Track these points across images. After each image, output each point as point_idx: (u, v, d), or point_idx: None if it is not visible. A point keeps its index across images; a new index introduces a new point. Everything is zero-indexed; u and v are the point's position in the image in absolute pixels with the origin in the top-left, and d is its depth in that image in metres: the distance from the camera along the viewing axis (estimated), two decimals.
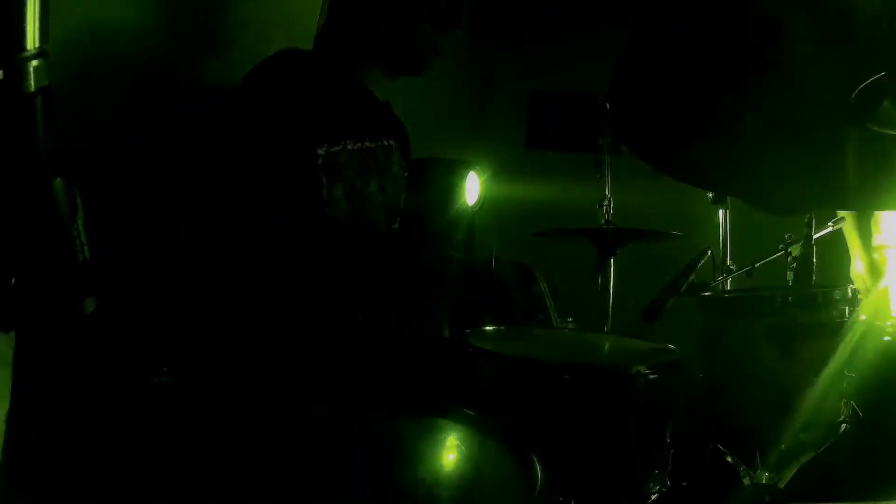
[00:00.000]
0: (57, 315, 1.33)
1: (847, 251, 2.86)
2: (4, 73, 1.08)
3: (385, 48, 2.01)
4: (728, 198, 2.45)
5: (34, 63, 1.23)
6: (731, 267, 2.32)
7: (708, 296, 2.09)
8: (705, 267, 2.17)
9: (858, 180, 1.08)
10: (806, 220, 1.97)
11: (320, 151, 1.88)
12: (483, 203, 2.86)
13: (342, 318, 1.91)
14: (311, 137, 1.88)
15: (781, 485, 1.79)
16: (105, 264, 1.59)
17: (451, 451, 1.24)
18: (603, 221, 2.82)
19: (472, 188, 2.81)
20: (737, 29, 1.07)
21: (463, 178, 2.76)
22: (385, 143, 2.08)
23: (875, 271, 2.69)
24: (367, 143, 2.01)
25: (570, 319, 2.51)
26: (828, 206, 2.27)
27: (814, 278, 2.03)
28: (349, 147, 1.95)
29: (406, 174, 2.20)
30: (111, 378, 1.39)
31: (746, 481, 1.80)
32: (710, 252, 2.20)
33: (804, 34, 1.01)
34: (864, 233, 2.77)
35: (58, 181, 1.39)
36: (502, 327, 2.30)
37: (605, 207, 2.82)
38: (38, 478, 1.16)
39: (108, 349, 1.44)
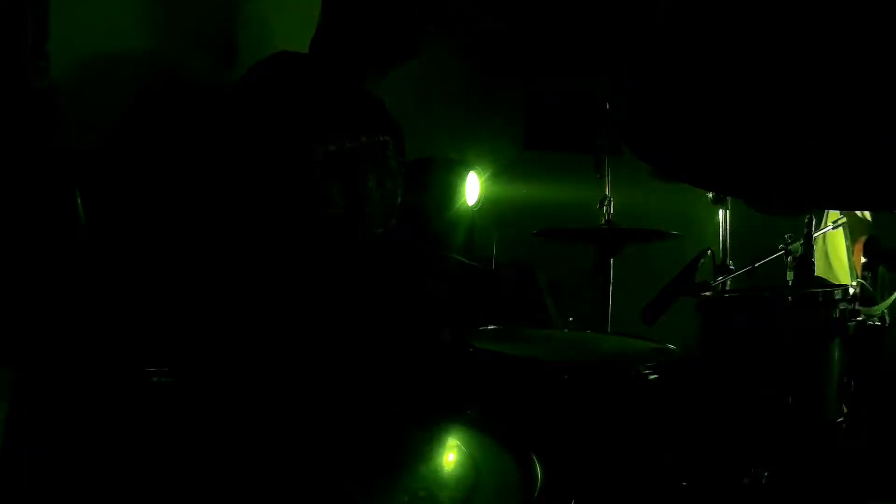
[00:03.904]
0: (57, 314, 1.33)
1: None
2: (5, 74, 1.08)
3: (380, 38, 2.04)
4: (728, 198, 2.45)
5: (34, 63, 1.23)
6: (731, 267, 2.32)
7: (708, 296, 2.09)
8: (705, 267, 2.17)
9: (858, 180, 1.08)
10: (806, 220, 1.97)
11: (317, 149, 1.89)
12: (483, 203, 2.86)
13: (341, 315, 1.92)
14: (307, 136, 1.89)
15: (780, 484, 1.79)
16: (105, 263, 1.59)
17: (451, 451, 1.24)
18: (603, 221, 2.82)
19: (472, 188, 2.81)
20: (738, 27, 1.07)
21: (463, 178, 2.76)
22: (381, 138, 2.09)
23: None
24: (363, 140, 2.03)
25: (571, 319, 2.51)
26: (827, 207, 2.27)
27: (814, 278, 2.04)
28: (346, 144, 1.97)
29: (403, 169, 2.21)
30: (112, 378, 1.39)
31: (746, 481, 1.80)
32: (710, 252, 2.20)
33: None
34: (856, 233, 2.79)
35: (58, 180, 1.39)
36: (502, 327, 2.30)
37: (605, 207, 2.82)
38: (37, 477, 1.16)
39: (108, 349, 1.44)
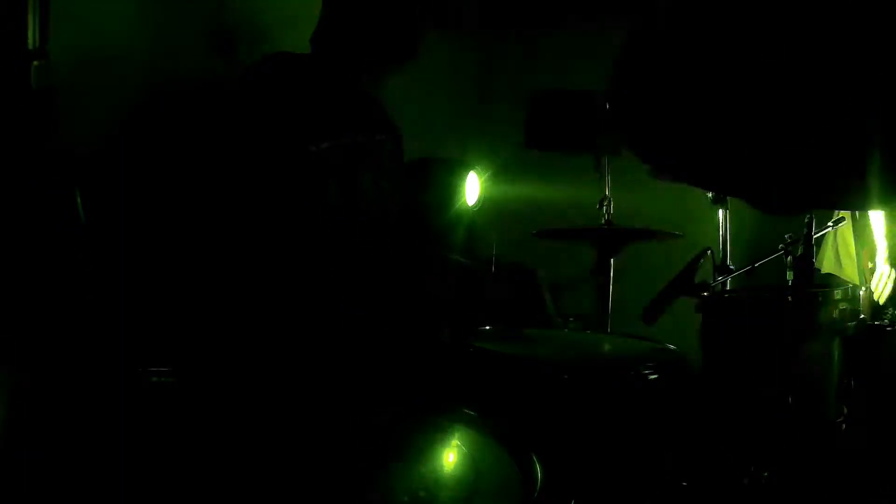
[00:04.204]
0: (57, 314, 1.33)
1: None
2: (5, 74, 1.08)
3: (379, 38, 2.04)
4: (728, 198, 2.45)
5: (35, 63, 1.23)
6: (731, 267, 2.32)
7: (708, 296, 2.09)
8: (705, 267, 2.17)
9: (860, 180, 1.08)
10: (806, 220, 1.97)
11: (312, 148, 1.90)
12: (483, 203, 2.86)
13: (341, 315, 1.92)
14: (305, 135, 1.90)
15: (780, 484, 1.79)
16: (105, 263, 1.59)
17: (451, 451, 1.24)
18: (603, 221, 2.81)
19: (472, 188, 2.81)
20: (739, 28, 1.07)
21: (463, 178, 2.76)
22: (377, 138, 2.09)
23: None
24: (359, 139, 2.02)
25: (571, 319, 2.51)
26: (827, 207, 2.27)
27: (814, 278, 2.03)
28: (342, 143, 1.97)
29: (400, 169, 2.21)
30: (112, 378, 1.39)
31: (746, 481, 1.80)
32: (709, 252, 2.20)
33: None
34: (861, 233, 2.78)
35: (58, 180, 1.40)
36: (502, 327, 2.30)
37: (605, 207, 2.82)
38: (37, 477, 1.16)
39: (108, 349, 1.44)
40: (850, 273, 2.86)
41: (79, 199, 1.38)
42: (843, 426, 1.87)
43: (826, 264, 2.92)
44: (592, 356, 2.08)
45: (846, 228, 2.80)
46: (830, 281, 2.88)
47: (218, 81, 2.16)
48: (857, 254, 2.79)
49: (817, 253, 2.77)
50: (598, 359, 2.05)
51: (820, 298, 1.92)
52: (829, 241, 2.93)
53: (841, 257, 2.91)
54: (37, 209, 1.30)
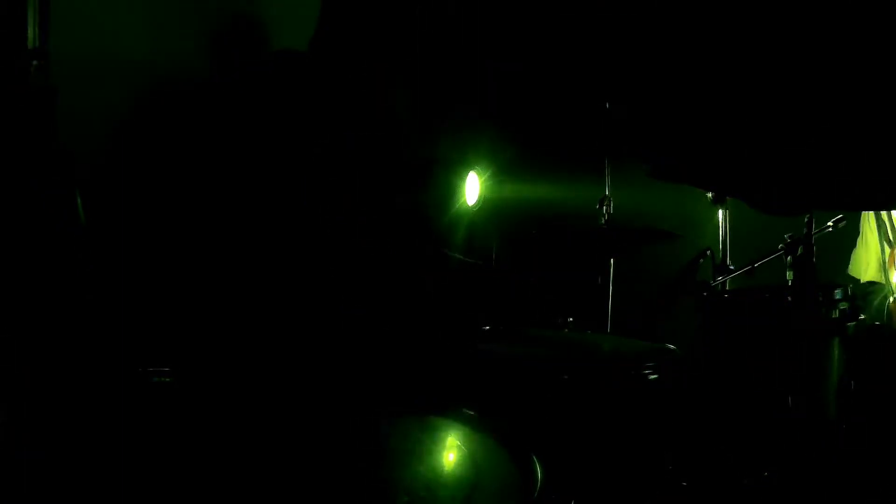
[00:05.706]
0: (57, 314, 1.33)
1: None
2: (5, 74, 1.08)
3: (379, 38, 2.04)
4: (728, 198, 2.44)
5: (35, 63, 1.23)
6: (731, 267, 2.32)
7: (708, 296, 2.09)
8: (705, 267, 2.17)
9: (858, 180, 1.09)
10: (806, 220, 1.97)
11: (315, 149, 1.90)
12: (483, 203, 2.85)
13: (341, 315, 1.92)
14: (306, 135, 1.90)
15: (780, 484, 1.79)
16: (105, 263, 1.59)
17: (451, 451, 1.24)
18: (603, 221, 2.81)
19: (472, 188, 2.80)
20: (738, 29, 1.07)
21: (463, 178, 2.76)
22: (377, 139, 2.09)
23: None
24: (361, 139, 2.03)
25: (571, 319, 2.50)
26: (827, 207, 2.27)
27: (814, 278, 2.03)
28: (342, 144, 1.97)
29: (401, 169, 2.21)
30: (112, 378, 1.39)
31: (746, 481, 1.80)
32: (709, 252, 2.20)
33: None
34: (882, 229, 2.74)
35: (58, 180, 1.39)
36: (502, 327, 2.30)
37: (605, 207, 2.81)
38: (37, 477, 1.16)
39: (108, 349, 1.44)
40: (872, 262, 2.77)
41: (79, 199, 1.38)
42: (843, 426, 1.87)
43: (868, 273, 2.81)
44: (592, 356, 2.08)
45: (871, 225, 2.74)
46: (830, 281, 2.85)
47: (218, 81, 2.16)
48: (883, 259, 2.74)
49: (851, 260, 2.75)
50: (598, 359, 2.05)
51: (820, 298, 1.92)
52: (864, 246, 2.82)
53: (868, 242, 2.82)
54: (37, 209, 1.30)
